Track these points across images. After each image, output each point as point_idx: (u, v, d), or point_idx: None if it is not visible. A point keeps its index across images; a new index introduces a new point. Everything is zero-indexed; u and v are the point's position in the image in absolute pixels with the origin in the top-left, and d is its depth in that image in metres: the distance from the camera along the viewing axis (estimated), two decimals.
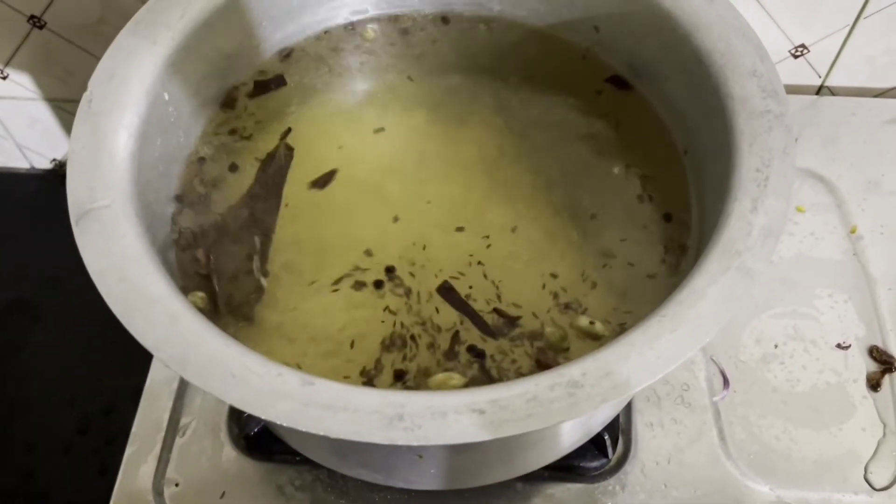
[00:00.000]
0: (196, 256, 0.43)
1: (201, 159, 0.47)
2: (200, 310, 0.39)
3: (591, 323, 0.41)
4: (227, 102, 0.49)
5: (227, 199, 0.46)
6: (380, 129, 0.49)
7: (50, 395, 0.71)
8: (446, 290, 0.42)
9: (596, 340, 0.41)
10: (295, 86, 0.50)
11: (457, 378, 0.40)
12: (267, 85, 0.50)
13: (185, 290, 0.42)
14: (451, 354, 0.41)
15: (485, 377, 0.40)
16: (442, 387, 0.40)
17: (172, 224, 0.44)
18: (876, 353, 0.54)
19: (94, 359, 0.71)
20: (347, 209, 0.46)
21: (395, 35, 0.53)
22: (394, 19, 0.53)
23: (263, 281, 0.43)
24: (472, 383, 0.40)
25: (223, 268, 0.43)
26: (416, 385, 0.40)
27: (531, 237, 0.45)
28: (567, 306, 0.42)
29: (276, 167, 0.47)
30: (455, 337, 0.41)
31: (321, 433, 0.31)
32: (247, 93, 0.50)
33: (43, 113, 0.74)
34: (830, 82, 0.67)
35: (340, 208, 0.46)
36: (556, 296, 0.42)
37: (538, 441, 0.42)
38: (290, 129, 0.48)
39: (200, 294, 0.42)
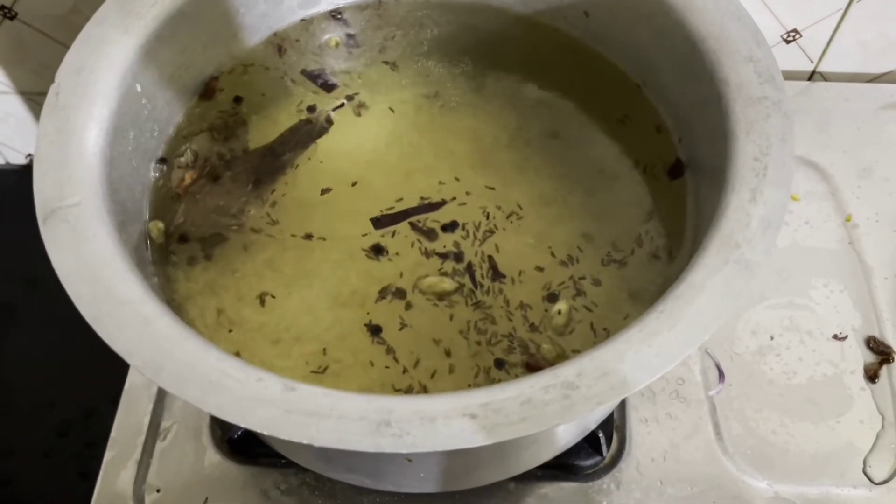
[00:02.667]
0: (183, 176, 0.43)
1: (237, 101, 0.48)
2: (152, 240, 0.41)
3: (559, 312, 0.40)
4: (206, 93, 0.47)
5: (243, 143, 0.46)
6: (363, 117, 0.48)
7: (28, 398, 0.69)
8: (376, 221, 0.43)
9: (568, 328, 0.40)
10: (278, 72, 0.49)
11: (448, 282, 0.41)
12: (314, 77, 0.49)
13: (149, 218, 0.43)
14: (432, 235, 0.43)
15: (471, 280, 0.42)
16: (434, 288, 0.41)
17: (175, 141, 0.45)
18: (873, 344, 0.53)
19: (73, 361, 0.69)
20: (332, 200, 0.45)
21: (379, 21, 0.51)
22: (378, 5, 0.51)
23: (233, 229, 0.43)
24: (462, 287, 0.41)
25: (203, 199, 0.43)
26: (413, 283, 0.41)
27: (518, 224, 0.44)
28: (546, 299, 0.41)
29: (305, 133, 0.46)
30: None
31: (304, 441, 0.29)
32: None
33: (16, 107, 0.71)
34: (823, 68, 0.66)
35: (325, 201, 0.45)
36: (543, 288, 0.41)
37: (532, 442, 0.41)
38: (342, 104, 0.47)
39: (160, 224, 0.42)
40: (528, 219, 0.44)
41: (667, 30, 0.43)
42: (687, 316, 0.32)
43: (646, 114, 0.46)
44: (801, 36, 0.63)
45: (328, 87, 0.48)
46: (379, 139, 0.47)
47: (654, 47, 0.44)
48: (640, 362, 0.31)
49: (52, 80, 0.40)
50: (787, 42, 0.64)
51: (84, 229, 0.35)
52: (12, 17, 0.62)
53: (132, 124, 0.41)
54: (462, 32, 0.51)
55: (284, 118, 0.48)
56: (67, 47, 0.64)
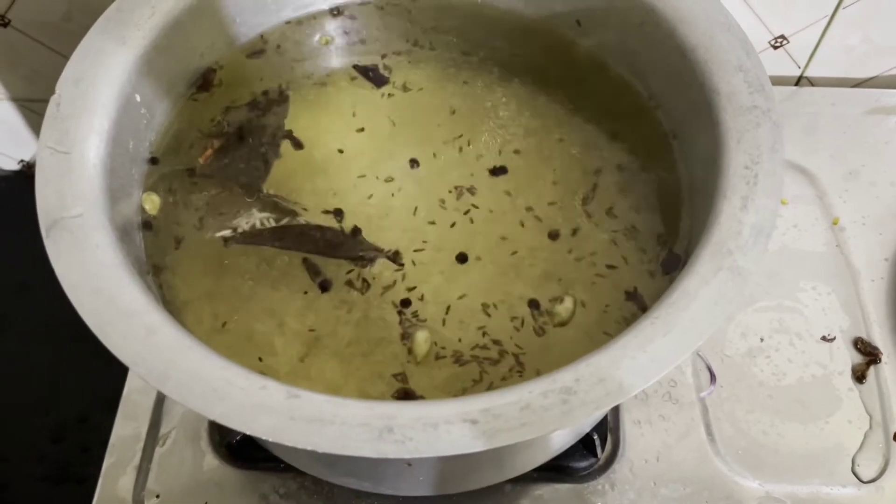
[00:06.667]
0: (211, 143, 0.45)
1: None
2: (146, 211, 0.43)
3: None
4: (204, 85, 0.48)
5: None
6: (360, 129, 0.48)
7: (22, 404, 0.69)
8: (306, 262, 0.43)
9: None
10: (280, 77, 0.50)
11: None
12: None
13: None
14: None
15: None
16: None
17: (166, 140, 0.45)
18: (861, 345, 0.54)
19: (66, 365, 0.69)
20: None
21: (377, 22, 0.51)
22: (375, 7, 0.52)
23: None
24: None
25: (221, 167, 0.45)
26: None
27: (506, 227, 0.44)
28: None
29: None
30: None
31: (308, 448, 0.30)
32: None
33: (9, 113, 0.71)
34: (810, 73, 0.67)
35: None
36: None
37: (529, 445, 0.41)
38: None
39: (154, 196, 0.43)
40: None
41: (658, 39, 0.43)
42: (681, 322, 0.33)
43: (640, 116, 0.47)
44: (788, 42, 0.64)
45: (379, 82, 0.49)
46: (372, 147, 0.48)
47: (647, 56, 0.45)
48: (635, 368, 0.32)
49: (44, 87, 0.40)
50: (775, 48, 0.65)
51: (86, 239, 0.35)
52: (5, 25, 0.63)
53: (132, 134, 0.42)
54: (451, 34, 0.51)
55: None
56: (60, 54, 0.65)
